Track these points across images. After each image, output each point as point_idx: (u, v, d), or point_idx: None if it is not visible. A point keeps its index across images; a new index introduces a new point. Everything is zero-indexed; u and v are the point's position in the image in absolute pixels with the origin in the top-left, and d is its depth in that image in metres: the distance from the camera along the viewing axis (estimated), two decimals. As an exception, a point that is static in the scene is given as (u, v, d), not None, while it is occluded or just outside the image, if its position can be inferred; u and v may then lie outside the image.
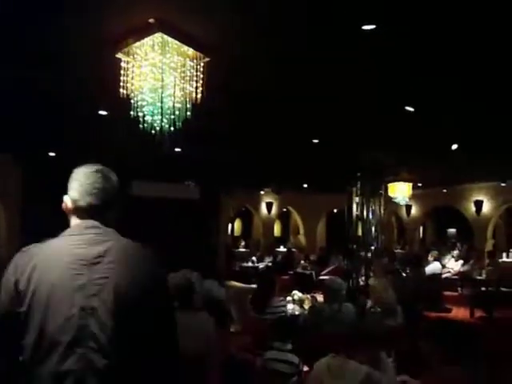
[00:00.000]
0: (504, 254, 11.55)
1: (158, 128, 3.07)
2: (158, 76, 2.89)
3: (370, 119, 5.22)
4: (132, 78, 2.99)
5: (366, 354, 2.79)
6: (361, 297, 4.91)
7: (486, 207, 11.91)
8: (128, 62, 2.99)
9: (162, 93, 2.91)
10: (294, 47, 3.35)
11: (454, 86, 4.14)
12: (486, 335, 6.75)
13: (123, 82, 3.00)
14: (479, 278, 8.86)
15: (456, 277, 10.36)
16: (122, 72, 2.99)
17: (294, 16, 2.85)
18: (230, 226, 14.38)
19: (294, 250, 13.47)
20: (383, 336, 3.65)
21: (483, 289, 8.10)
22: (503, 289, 8.18)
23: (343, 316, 3.97)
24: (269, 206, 14.34)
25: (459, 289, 10.09)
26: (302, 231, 15.23)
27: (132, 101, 3.04)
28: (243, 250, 13.76)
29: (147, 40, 2.85)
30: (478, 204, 11.95)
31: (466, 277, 9.78)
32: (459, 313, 8.26)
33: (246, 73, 3.80)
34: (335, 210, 14.45)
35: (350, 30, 3.01)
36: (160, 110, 2.97)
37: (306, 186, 12.18)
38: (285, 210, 15.41)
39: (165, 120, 3.04)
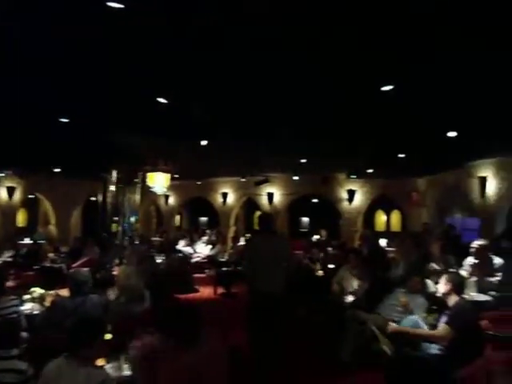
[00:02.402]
0: (242, 239, 13.60)
1: None
2: None
3: (124, 103, 5.08)
4: None
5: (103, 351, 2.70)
6: (101, 289, 4.67)
7: (230, 198, 13.78)
8: None
9: None
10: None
11: (203, 79, 4.29)
12: (225, 306, 7.88)
13: None
14: (222, 260, 10.08)
15: (205, 260, 11.53)
16: None
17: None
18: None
19: (41, 241, 11.96)
20: (127, 323, 3.66)
21: (224, 269, 9.28)
22: (239, 267, 9.59)
23: (87, 309, 3.77)
24: (10, 191, 12.38)
25: (207, 271, 11.26)
26: (53, 221, 13.88)
27: None
28: (-27, 244, 11.23)
29: None
30: (224, 195, 13.70)
31: (213, 259, 11.00)
32: (206, 292, 9.23)
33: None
34: (93, 198, 13.69)
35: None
36: None
37: (58, 170, 10.96)
38: (32, 196, 13.72)
39: None
